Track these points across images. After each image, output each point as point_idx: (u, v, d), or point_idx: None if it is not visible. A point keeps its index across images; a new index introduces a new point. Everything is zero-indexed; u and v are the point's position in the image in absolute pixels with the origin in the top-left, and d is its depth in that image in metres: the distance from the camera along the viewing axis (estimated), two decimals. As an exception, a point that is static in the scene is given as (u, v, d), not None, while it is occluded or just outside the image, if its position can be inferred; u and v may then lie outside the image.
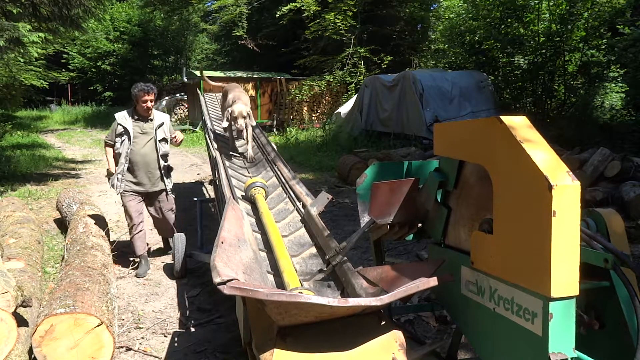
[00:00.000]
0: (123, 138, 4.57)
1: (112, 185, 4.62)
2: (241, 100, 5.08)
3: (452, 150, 2.06)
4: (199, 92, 8.38)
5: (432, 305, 2.77)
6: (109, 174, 4.68)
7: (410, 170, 2.61)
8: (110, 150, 4.70)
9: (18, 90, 17.36)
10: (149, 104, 4.59)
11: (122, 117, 4.62)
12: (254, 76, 19.50)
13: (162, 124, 4.72)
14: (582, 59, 11.29)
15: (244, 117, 4.89)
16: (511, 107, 12.27)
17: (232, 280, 1.67)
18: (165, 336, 3.59)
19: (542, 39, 11.49)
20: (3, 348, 2.82)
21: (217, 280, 1.68)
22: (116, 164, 4.66)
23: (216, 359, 3.27)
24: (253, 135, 5.33)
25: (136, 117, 4.63)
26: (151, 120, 4.68)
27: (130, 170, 4.61)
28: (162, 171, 4.73)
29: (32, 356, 2.89)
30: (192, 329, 3.69)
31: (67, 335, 2.86)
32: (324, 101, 18.64)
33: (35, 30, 8.26)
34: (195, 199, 5.71)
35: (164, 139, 4.76)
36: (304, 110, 18.50)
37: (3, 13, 7.75)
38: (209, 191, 8.51)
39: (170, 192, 4.89)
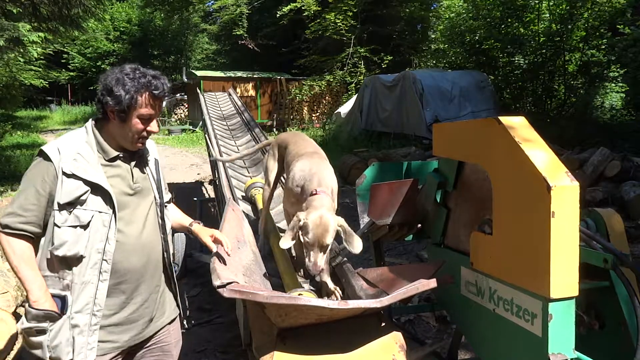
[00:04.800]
0: (87, 219, 1.75)
1: (49, 356, 1.72)
2: (326, 195, 2.29)
3: (451, 150, 2.07)
4: (199, 92, 8.39)
5: (432, 306, 2.77)
6: (43, 317, 1.69)
7: (410, 170, 2.61)
8: (25, 251, 1.75)
9: (18, 90, 17.35)
10: (154, 127, 1.89)
11: (75, 156, 1.77)
12: (254, 76, 19.51)
13: (157, 163, 2.09)
14: (582, 59, 11.29)
15: (324, 247, 2.12)
16: (511, 107, 12.28)
17: (231, 282, 1.67)
18: (165, 336, 3.59)
19: (542, 39, 11.49)
20: (3, 348, 2.82)
21: (216, 283, 1.68)
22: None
23: (216, 359, 3.28)
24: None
25: (113, 156, 1.85)
26: (140, 156, 1.97)
27: (114, 294, 1.83)
28: (173, 278, 2.10)
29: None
30: (192, 329, 3.69)
31: (67, 335, 2.86)
32: (324, 101, 18.65)
33: (35, 30, 8.26)
34: (195, 199, 5.72)
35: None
36: (304, 110, 18.52)
37: (3, 13, 7.75)
38: (209, 191, 8.52)
39: (185, 322, 2.33)
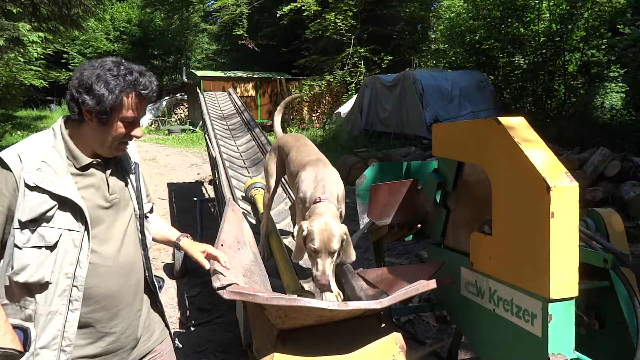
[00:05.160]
0: (54, 239, 1.49)
1: None
2: (331, 204, 2.24)
3: (450, 151, 2.06)
4: (199, 91, 8.40)
5: (432, 306, 2.77)
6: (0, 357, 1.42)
7: (410, 170, 2.61)
8: None
9: (18, 90, 17.35)
10: (138, 132, 1.64)
11: (39, 164, 1.50)
12: (254, 76, 19.52)
13: (137, 167, 1.80)
14: (582, 59, 11.30)
15: (332, 253, 2.06)
16: (511, 107, 12.28)
17: (231, 284, 1.67)
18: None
19: (542, 39, 11.49)
20: (3, 349, 2.82)
21: (216, 284, 1.68)
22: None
23: (216, 359, 3.28)
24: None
25: (85, 163, 1.58)
26: (117, 163, 1.73)
27: (88, 324, 1.58)
28: (157, 297, 1.83)
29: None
30: (192, 329, 3.70)
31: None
32: (324, 101, 18.66)
33: (35, 30, 8.26)
34: (195, 199, 5.72)
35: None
36: (304, 110, 18.52)
37: (3, 13, 7.76)
38: (209, 191, 8.52)
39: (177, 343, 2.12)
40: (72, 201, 1.50)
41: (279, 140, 3.04)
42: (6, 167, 1.47)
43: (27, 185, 1.46)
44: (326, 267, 2.02)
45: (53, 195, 1.48)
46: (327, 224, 2.06)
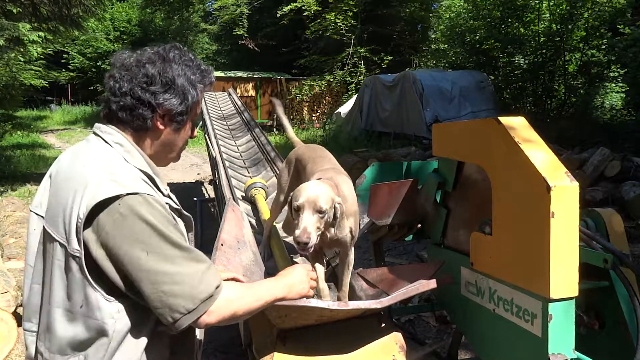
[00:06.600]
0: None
1: None
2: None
3: (450, 151, 2.06)
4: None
5: (432, 306, 2.77)
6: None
7: (410, 170, 2.61)
8: (242, 283, 1.55)
9: (18, 90, 17.34)
10: (195, 131, 1.42)
11: (151, 184, 1.26)
12: (254, 76, 19.53)
13: None
14: (582, 59, 11.30)
15: (318, 211, 1.70)
16: (511, 107, 12.28)
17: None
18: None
19: (542, 39, 11.49)
20: (3, 347, 2.83)
21: None
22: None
23: (216, 359, 3.28)
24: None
25: (161, 182, 1.36)
26: None
27: None
28: None
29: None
30: (192, 330, 3.69)
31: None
32: (324, 101, 18.66)
33: (35, 30, 8.26)
34: (195, 199, 5.72)
35: None
36: (304, 110, 18.52)
37: (3, 13, 7.75)
38: (209, 191, 8.52)
39: None
40: (191, 222, 1.34)
41: (295, 152, 2.71)
42: (149, 194, 1.19)
43: (174, 210, 1.26)
44: (309, 224, 1.65)
45: (179, 215, 1.30)
46: (318, 184, 1.78)
